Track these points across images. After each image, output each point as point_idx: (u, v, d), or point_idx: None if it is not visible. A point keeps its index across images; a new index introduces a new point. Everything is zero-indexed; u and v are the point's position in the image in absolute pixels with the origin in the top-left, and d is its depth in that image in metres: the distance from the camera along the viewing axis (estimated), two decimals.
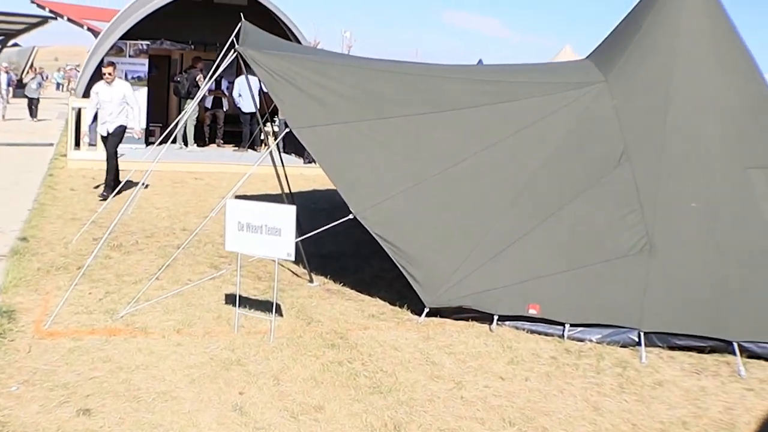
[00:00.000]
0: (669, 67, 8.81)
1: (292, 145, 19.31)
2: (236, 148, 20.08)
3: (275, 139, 20.00)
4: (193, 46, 20.40)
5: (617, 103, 8.87)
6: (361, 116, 8.35)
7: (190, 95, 19.18)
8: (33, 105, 31.80)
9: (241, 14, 9.80)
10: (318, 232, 8.37)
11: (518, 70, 9.94)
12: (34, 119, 31.08)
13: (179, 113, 22.08)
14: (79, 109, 17.26)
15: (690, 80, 8.79)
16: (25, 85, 35.59)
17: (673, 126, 8.61)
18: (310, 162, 18.09)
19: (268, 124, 20.18)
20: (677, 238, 8.13)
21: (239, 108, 19.59)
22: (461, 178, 8.33)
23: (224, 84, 20.46)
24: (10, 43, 52.08)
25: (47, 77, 73.64)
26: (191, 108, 16.18)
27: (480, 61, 23.63)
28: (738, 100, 8.79)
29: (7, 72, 32.84)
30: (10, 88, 34.25)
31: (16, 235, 10.09)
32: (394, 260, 7.87)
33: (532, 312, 7.83)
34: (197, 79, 19.04)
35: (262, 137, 20.41)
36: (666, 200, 8.27)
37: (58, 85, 66.68)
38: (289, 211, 6.74)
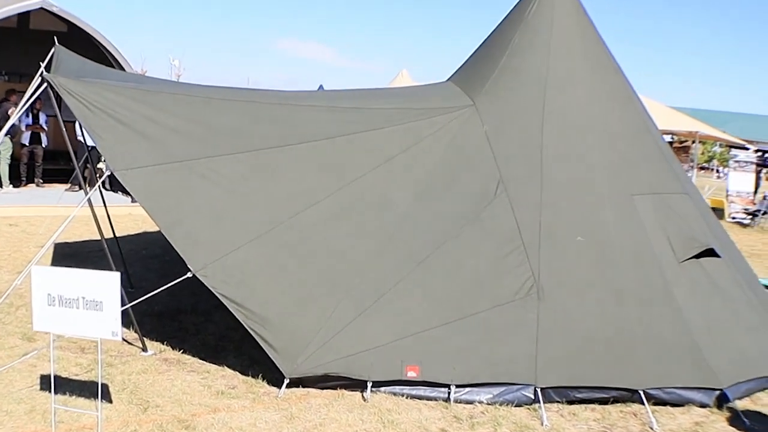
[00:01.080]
0: (541, 90, 7.99)
1: (118, 182, 17.56)
2: (70, 186, 18.02)
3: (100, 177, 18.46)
4: (6, 77, 18.19)
5: (488, 128, 7.93)
6: (196, 153, 6.92)
7: None
8: None
9: (55, 38, 8.32)
10: (152, 295, 6.87)
11: (376, 96, 8.79)
12: None
13: None
14: None
15: (565, 103, 8.01)
16: None
17: (551, 152, 7.74)
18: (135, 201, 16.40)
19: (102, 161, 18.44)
20: (566, 277, 7.21)
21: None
22: (318, 223, 7.05)
23: (42, 118, 18.39)
24: None
25: None
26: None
27: (321, 87, 22.53)
28: (618, 123, 8.11)
29: None
30: None
31: None
32: (245, 325, 6.48)
33: (411, 374, 6.67)
34: (9, 112, 16.98)
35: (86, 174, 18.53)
36: (550, 235, 7.38)
37: None
38: (112, 280, 5.24)
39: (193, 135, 7.03)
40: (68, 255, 11.35)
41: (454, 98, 8.25)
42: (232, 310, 6.43)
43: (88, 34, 17.30)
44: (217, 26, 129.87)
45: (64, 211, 15.20)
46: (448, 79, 9.12)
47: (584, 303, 7.08)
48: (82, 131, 9.87)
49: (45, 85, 7.00)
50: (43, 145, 18.57)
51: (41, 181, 18.62)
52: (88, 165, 16.31)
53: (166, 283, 6.59)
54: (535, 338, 6.83)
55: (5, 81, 18.18)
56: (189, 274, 6.37)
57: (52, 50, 8.00)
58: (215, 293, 6.43)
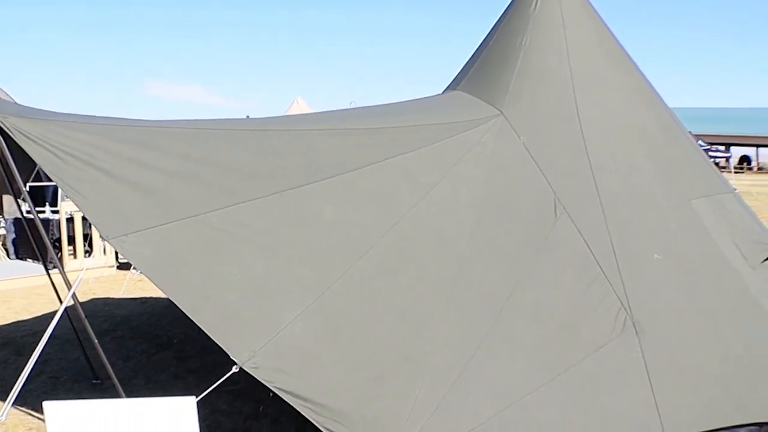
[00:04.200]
0: (569, 93, 6.73)
1: (28, 246, 15.14)
2: None
3: (1, 243, 15.94)
4: None
5: (525, 140, 6.47)
6: (211, 203, 5.01)
7: None
8: None
9: None
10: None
11: (387, 112, 7.09)
12: None
13: None
14: None
15: (597, 106, 6.79)
16: None
17: (599, 161, 6.44)
18: (55, 266, 14.08)
19: None
20: (655, 304, 5.83)
21: None
22: (372, 278, 5.29)
23: None
24: None
25: None
26: None
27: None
28: (653, 124, 6.98)
29: None
30: None
31: None
32: (316, 423, 4.64)
33: None
34: None
35: None
36: (626, 257, 6.01)
37: None
38: (184, 408, 3.37)
39: (201, 179, 5.13)
40: None
41: (475, 109, 6.78)
42: (296, 407, 4.58)
43: None
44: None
45: None
46: (449, 88, 7.63)
47: (682, 332, 5.73)
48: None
49: None
50: None
51: None
52: None
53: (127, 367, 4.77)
54: (648, 382, 5.38)
55: None
56: (235, 369, 4.48)
57: None
58: (272, 389, 4.57)
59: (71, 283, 5.47)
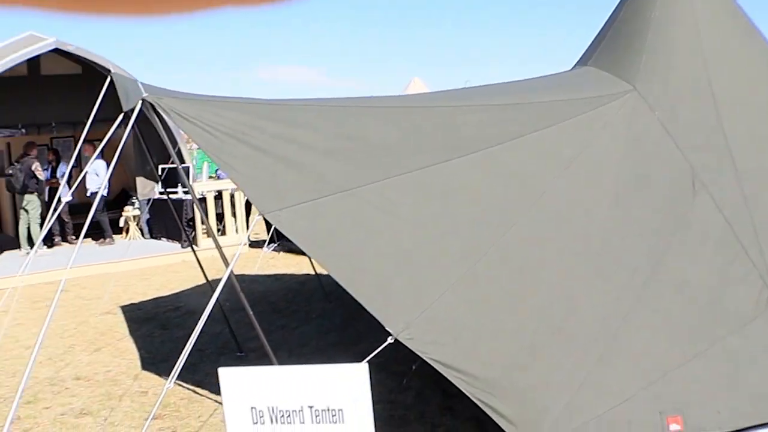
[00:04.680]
0: (702, 68, 6.51)
1: (161, 226, 15.68)
2: (102, 240, 16.02)
3: (136, 223, 16.57)
4: (24, 131, 16.18)
5: (660, 114, 6.29)
6: (361, 178, 5.09)
7: (27, 189, 15.20)
8: None
9: (111, 73, 6.69)
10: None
11: (523, 88, 7.03)
12: None
13: (14, 212, 17.92)
14: None
15: (732, 83, 6.57)
16: None
17: (735, 138, 6.23)
18: (189, 245, 14.55)
19: (128, 207, 16.57)
20: None
21: (96, 194, 15.34)
22: (521, 250, 5.29)
23: (61, 170, 16.39)
24: None
25: None
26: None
27: None
28: None
29: None
30: None
31: None
32: (470, 395, 4.66)
33: (675, 428, 4.91)
34: (33, 168, 15.10)
35: (121, 224, 16.62)
36: (766, 234, 5.73)
37: None
38: (357, 374, 3.42)
39: (351, 155, 5.23)
40: (143, 319, 9.48)
41: (608, 84, 6.67)
42: (450, 378, 4.60)
43: (107, 72, 15.32)
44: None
45: (109, 267, 13.42)
46: (579, 64, 7.52)
47: None
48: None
49: (132, 119, 5.27)
50: (66, 200, 16.46)
51: (74, 237, 16.55)
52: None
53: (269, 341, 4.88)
54: None
55: (23, 134, 16.20)
56: (390, 340, 4.54)
57: (107, 82, 6.35)
58: (426, 359, 4.60)
59: (228, 260, 5.61)
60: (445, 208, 5.27)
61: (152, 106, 5.12)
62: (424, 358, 4.60)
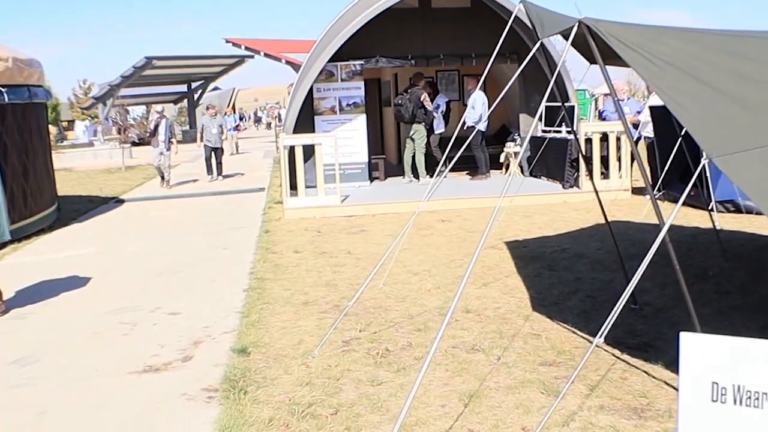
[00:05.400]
0: None
1: (541, 165, 15.37)
2: (476, 176, 16.11)
3: (517, 160, 16.41)
4: (413, 62, 16.60)
5: None
6: None
7: (415, 119, 15.62)
8: (215, 157, 21.71)
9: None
10: None
11: None
12: (213, 177, 21.68)
13: (399, 141, 18.62)
14: (292, 147, 14.04)
15: None
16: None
17: None
18: (572, 186, 14.13)
19: (509, 143, 16.47)
20: None
21: (474, 127, 15.40)
22: None
23: (438, 102, 16.59)
24: (211, 86, 51.00)
25: (246, 117, 73.32)
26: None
27: None
28: None
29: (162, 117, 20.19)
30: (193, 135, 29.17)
31: (231, 343, 6.63)
32: None
33: None
34: (422, 99, 15.46)
35: (501, 160, 16.59)
36: None
37: (266, 124, 65.82)
38: None
39: None
40: (529, 257, 9.19)
41: None
42: None
43: (497, 7, 15.13)
44: None
45: (489, 202, 13.40)
46: None
47: None
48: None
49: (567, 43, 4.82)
50: (437, 131, 16.63)
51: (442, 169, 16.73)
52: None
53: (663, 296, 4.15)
54: None
55: (411, 65, 16.63)
56: None
57: (516, 10, 5.93)
58: None
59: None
60: None
61: (588, 29, 4.64)
62: None
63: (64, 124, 59.27)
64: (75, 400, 5.56)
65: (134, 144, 35.63)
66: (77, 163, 29.86)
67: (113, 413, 5.25)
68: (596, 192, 7.45)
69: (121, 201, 18.24)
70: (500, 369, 5.59)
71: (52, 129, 30.55)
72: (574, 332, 6.35)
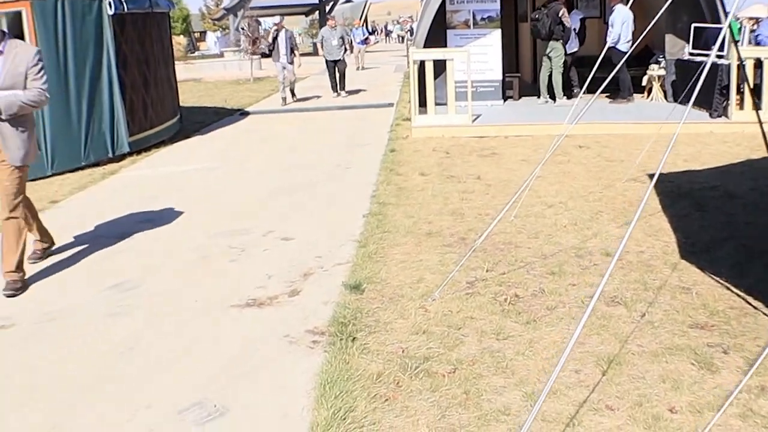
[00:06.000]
0: None
1: (688, 91, 14.13)
2: (617, 99, 14.99)
3: (660, 84, 15.21)
4: None
5: None
6: None
7: (552, 35, 14.60)
8: (337, 71, 20.93)
9: None
10: None
11: None
12: (337, 93, 20.99)
13: (535, 59, 17.61)
14: (422, 62, 13.32)
15: None
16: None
17: None
18: (720, 115, 12.92)
19: (652, 65, 15.25)
20: None
21: (614, 48, 14.22)
22: None
23: (571, 19, 15.38)
24: None
25: (378, 31, 72.50)
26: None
27: None
28: None
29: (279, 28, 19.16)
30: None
31: (344, 277, 6.14)
32: None
33: None
34: (560, 14, 14.39)
35: (644, 83, 15.38)
36: None
37: (398, 37, 65.28)
38: None
39: None
40: (675, 194, 8.26)
41: None
42: None
43: None
44: None
45: (632, 129, 12.40)
46: None
47: None
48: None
49: None
50: (569, 51, 15.45)
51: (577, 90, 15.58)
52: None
53: None
54: None
55: None
56: None
57: None
58: None
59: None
60: None
61: None
62: None
63: (196, 35, 60.07)
64: (170, 335, 5.24)
65: (264, 56, 35.63)
66: (206, 74, 30.04)
67: (204, 354, 4.89)
68: (760, 123, 6.57)
69: (246, 113, 18.06)
70: (644, 329, 4.91)
71: (183, 40, 30.72)
72: (728, 288, 5.54)
